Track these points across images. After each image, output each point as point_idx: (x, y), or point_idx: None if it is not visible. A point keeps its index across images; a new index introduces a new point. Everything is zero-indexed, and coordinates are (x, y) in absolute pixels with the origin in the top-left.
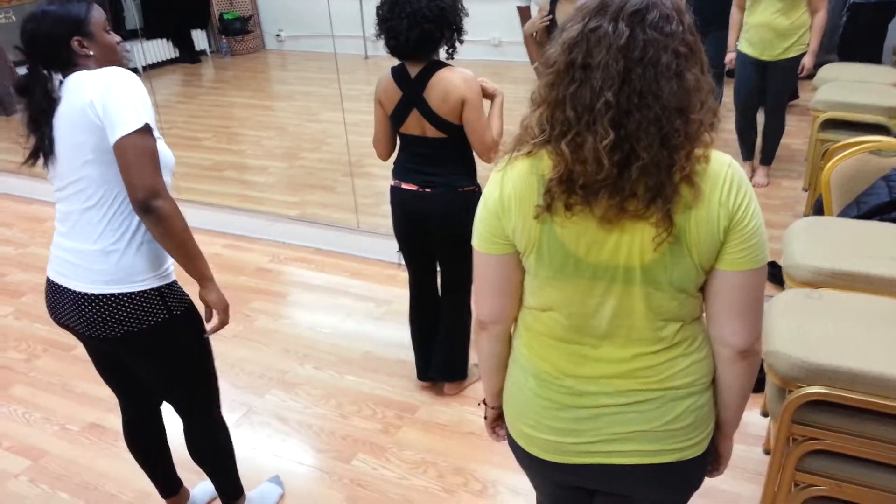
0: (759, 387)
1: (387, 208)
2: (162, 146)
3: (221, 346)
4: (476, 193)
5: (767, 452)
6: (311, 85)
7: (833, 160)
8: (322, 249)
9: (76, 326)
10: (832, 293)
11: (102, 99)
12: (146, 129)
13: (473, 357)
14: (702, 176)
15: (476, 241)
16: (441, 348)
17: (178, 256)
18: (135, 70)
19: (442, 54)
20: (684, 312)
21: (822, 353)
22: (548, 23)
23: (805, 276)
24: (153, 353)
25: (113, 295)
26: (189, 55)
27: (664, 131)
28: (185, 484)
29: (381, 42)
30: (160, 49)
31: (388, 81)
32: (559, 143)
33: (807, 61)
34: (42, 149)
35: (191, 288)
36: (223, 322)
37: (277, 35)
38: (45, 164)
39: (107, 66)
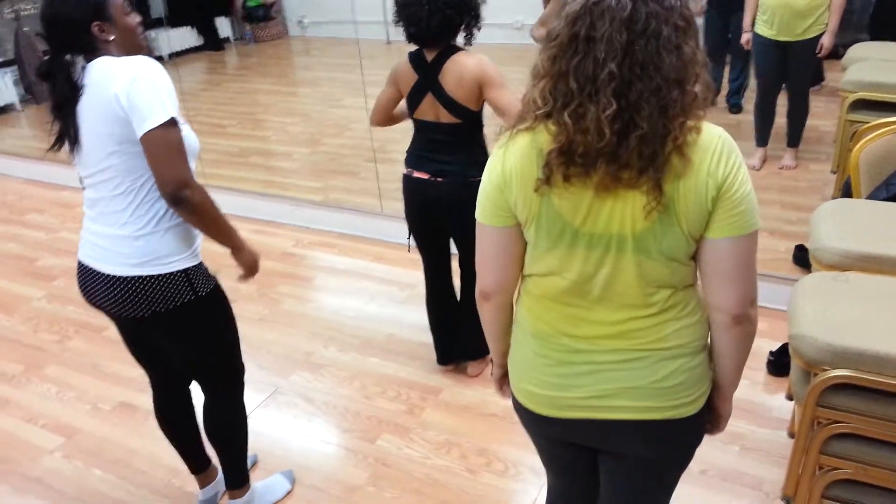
0: (783, 371)
1: None
2: (187, 131)
3: (248, 329)
4: None
5: (792, 436)
6: (334, 71)
7: (862, 141)
8: (346, 234)
9: (107, 307)
10: (859, 276)
11: (128, 92)
12: (172, 123)
13: None
14: (692, 147)
15: (479, 214)
16: (464, 328)
17: (212, 236)
18: (160, 58)
19: (459, 40)
20: (675, 280)
21: (849, 335)
22: None
23: (832, 259)
24: (179, 333)
25: (141, 277)
26: (213, 43)
27: (663, 102)
28: (215, 462)
29: (401, 28)
30: (185, 37)
31: (405, 65)
32: (561, 113)
33: (826, 41)
34: (67, 136)
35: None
36: (252, 273)
37: (300, 21)
38: (71, 151)
39: (127, 49)
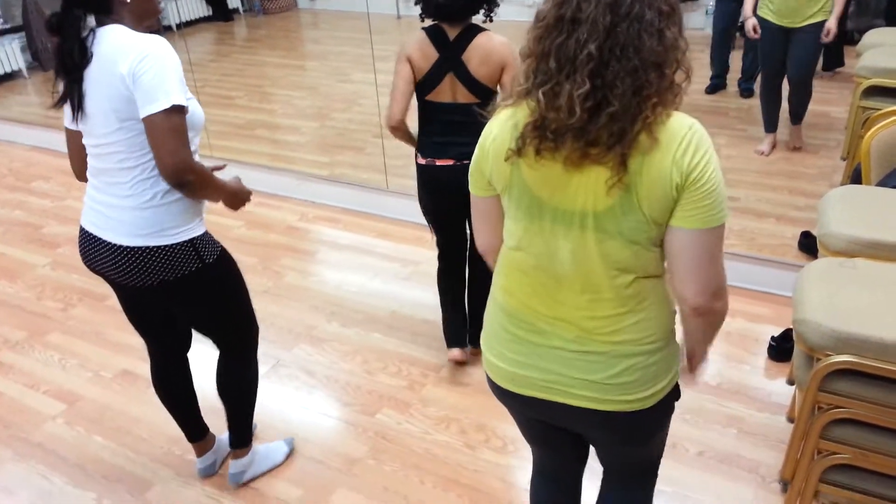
0: (784, 356)
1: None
2: (194, 105)
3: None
4: None
5: (791, 420)
6: (343, 45)
7: (875, 128)
8: (350, 209)
9: (112, 275)
10: (867, 263)
11: (134, 72)
12: (176, 109)
13: None
14: (661, 128)
15: (469, 183)
16: (479, 303)
17: (210, 201)
18: (168, 28)
19: (478, 17)
20: (638, 265)
21: (854, 322)
22: None
23: (840, 246)
24: (190, 299)
25: (148, 248)
26: (222, 13)
27: (639, 82)
28: (213, 430)
29: (413, 1)
30: (193, 7)
31: (423, 41)
32: (537, 91)
33: (831, 25)
34: (71, 101)
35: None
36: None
37: None
38: (74, 117)
39: (141, 13)
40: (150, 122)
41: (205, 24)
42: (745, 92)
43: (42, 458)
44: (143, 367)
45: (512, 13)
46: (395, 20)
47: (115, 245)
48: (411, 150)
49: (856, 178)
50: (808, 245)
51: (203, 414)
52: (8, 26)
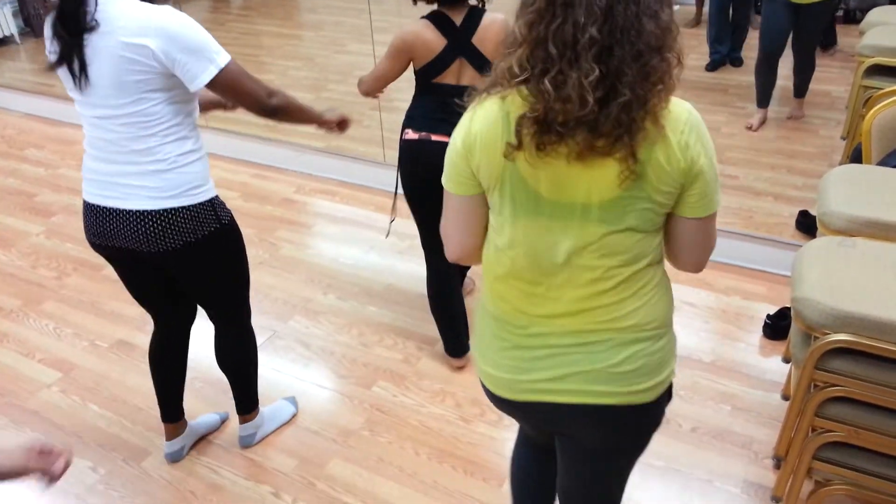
0: (779, 335)
1: None
2: None
3: None
4: None
5: (785, 398)
6: (341, 15)
7: (876, 108)
8: (347, 182)
9: (128, 244)
10: (866, 242)
11: (167, 50)
12: (224, 61)
13: None
14: (664, 114)
15: (445, 181)
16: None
17: (301, 121)
18: None
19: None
20: (640, 253)
21: (852, 301)
22: None
23: (839, 225)
24: (208, 261)
25: (174, 209)
26: None
27: (645, 68)
28: (192, 413)
29: None
30: None
31: (426, 30)
32: (541, 80)
33: None
34: (71, 69)
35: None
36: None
37: None
38: (76, 86)
39: None
40: (215, 85)
41: None
42: (736, 61)
43: (37, 425)
44: (140, 337)
45: None
46: None
47: (136, 212)
48: None
49: (856, 157)
50: (806, 224)
51: (201, 386)
52: None
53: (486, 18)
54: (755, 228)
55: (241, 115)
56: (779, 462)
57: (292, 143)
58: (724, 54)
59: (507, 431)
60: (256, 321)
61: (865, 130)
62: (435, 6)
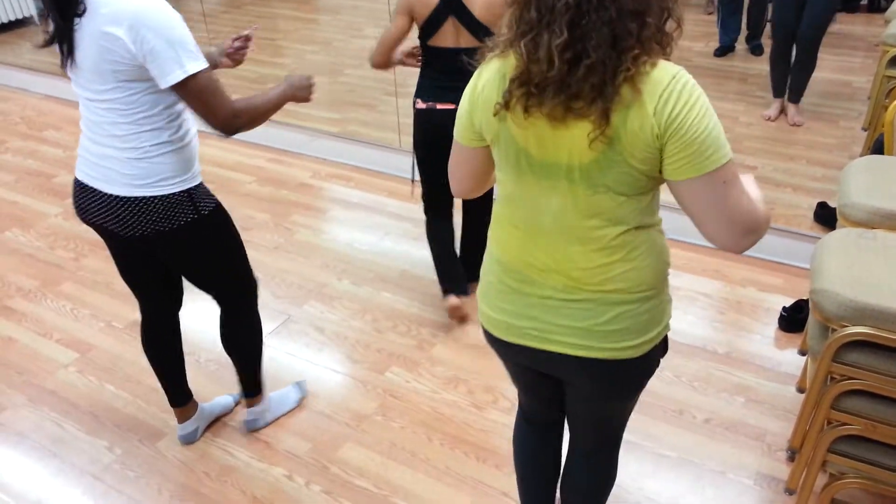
0: (795, 327)
1: None
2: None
3: (263, 257)
4: None
5: (801, 391)
6: None
7: None
8: (362, 167)
9: (107, 225)
10: (887, 234)
11: (139, 40)
12: (199, 68)
13: None
14: (644, 78)
15: (454, 131)
16: (472, 251)
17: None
18: None
19: None
20: (627, 216)
21: (871, 293)
22: None
23: (860, 217)
24: (185, 250)
25: (144, 198)
26: None
27: (616, 32)
28: (207, 396)
29: None
30: None
31: None
32: (519, 42)
33: None
34: (61, 50)
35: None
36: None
37: None
38: (64, 66)
39: None
40: (179, 90)
41: None
42: (756, 49)
43: (55, 405)
44: None
45: None
46: None
47: (112, 196)
48: None
49: (877, 148)
50: (824, 216)
51: (216, 368)
52: None
53: None
54: (773, 220)
55: None
56: (793, 454)
57: (308, 128)
58: (732, 39)
59: None
60: (271, 305)
61: (888, 121)
62: None
